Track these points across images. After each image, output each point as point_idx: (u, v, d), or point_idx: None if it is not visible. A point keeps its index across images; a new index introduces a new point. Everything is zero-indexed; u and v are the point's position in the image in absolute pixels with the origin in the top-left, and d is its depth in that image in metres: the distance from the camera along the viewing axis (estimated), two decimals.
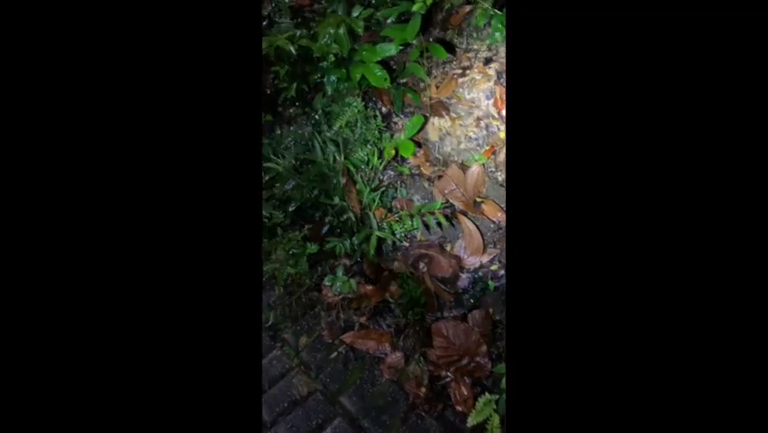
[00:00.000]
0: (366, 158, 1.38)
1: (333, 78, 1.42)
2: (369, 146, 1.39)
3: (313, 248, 1.38)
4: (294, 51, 1.31)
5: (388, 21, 1.38)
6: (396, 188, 1.44)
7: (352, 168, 1.35)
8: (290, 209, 1.29)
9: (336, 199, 1.30)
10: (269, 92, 1.87)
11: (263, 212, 1.44)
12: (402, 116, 1.57)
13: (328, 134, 1.44)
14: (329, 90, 1.44)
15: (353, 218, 1.25)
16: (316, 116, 1.47)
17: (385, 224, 1.30)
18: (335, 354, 1.23)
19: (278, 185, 1.30)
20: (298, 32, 1.37)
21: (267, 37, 1.33)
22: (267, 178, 1.32)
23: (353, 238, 1.25)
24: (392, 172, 1.49)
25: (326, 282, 1.29)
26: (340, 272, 1.29)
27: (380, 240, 1.29)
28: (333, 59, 1.37)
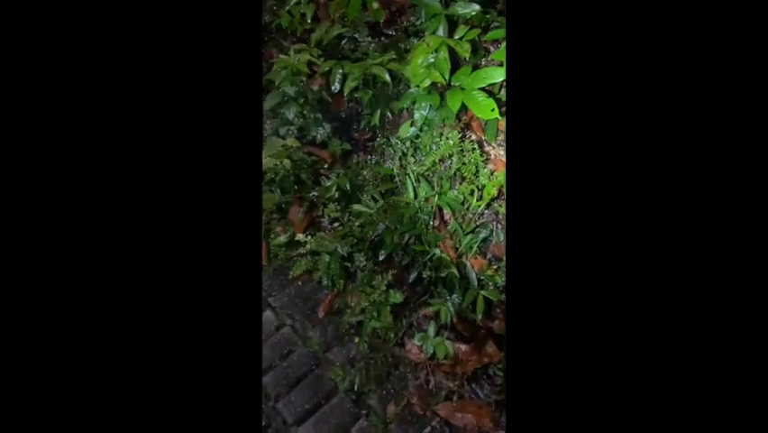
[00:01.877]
0: (462, 197, 1.19)
1: (425, 105, 1.24)
2: (465, 183, 1.20)
3: (397, 297, 1.20)
4: (389, 79, 1.14)
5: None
6: (491, 230, 1.24)
7: (447, 209, 1.17)
8: (381, 258, 1.11)
9: (429, 246, 1.12)
10: (343, 116, 1.72)
11: (347, 255, 1.27)
12: (495, 145, 1.37)
13: (415, 168, 1.26)
14: (419, 120, 1.26)
15: (456, 274, 1.06)
16: (404, 148, 1.29)
17: (485, 276, 1.10)
18: (429, 428, 1.04)
19: (365, 228, 1.13)
20: (387, 57, 1.20)
21: (357, 64, 1.17)
22: (357, 223, 1.16)
23: (454, 295, 1.06)
24: (487, 211, 1.29)
25: (416, 341, 1.10)
26: (432, 331, 1.10)
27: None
28: (427, 84, 1.19)
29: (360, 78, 1.16)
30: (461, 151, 1.21)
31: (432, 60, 1.11)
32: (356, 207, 1.14)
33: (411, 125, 1.32)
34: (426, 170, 1.20)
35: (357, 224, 1.16)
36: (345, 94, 1.20)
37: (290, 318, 1.30)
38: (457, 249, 1.15)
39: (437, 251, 1.09)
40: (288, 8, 1.30)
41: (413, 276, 1.15)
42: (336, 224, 1.39)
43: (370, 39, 1.50)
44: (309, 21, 1.42)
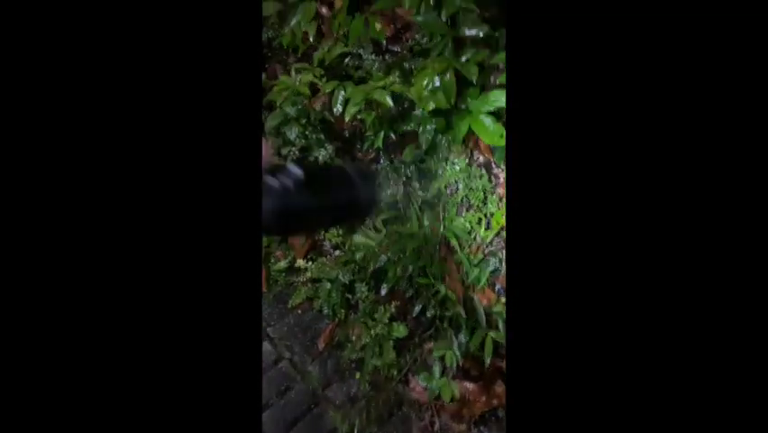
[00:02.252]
0: (469, 226, 1.12)
1: (430, 128, 1.18)
2: (472, 211, 1.13)
3: (401, 330, 1.13)
4: (391, 104, 1.08)
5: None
6: (500, 261, 1.17)
7: (453, 240, 1.10)
8: (383, 292, 1.05)
9: (434, 279, 1.05)
10: (346, 135, 1.66)
11: (348, 284, 1.20)
12: (504, 169, 1.30)
13: (421, 193, 1.19)
14: (424, 143, 1.19)
15: (463, 314, 0.99)
16: (408, 172, 1.23)
17: (494, 312, 1.03)
18: None
19: (367, 258, 1.07)
20: (391, 78, 1.14)
21: (359, 87, 1.11)
22: (358, 255, 1.10)
23: (461, 336, 0.99)
24: (496, 239, 1.22)
25: (420, 381, 1.03)
26: (437, 370, 1.03)
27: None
28: (431, 107, 1.13)
29: (362, 103, 1.10)
30: (469, 176, 1.14)
31: (437, 84, 1.05)
32: (357, 238, 1.08)
33: (415, 148, 1.25)
34: (432, 197, 1.14)
35: (358, 256, 1.10)
36: (347, 119, 1.14)
37: (289, 351, 1.24)
38: (464, 282, 1.08)
39: (443, 288, 1.02)
40: (290, 27, 1.24)
41: (417, 309, 1.08)
42: (338, 251, 1.33)
43: (374, 57, 1.44)
44: (311, 39, 1.36)
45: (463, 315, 0.98)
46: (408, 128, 1.24)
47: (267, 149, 0.24)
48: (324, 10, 1.72)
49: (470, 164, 1.16)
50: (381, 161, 1.41)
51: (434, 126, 1.18)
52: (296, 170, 0.24)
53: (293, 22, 1.20)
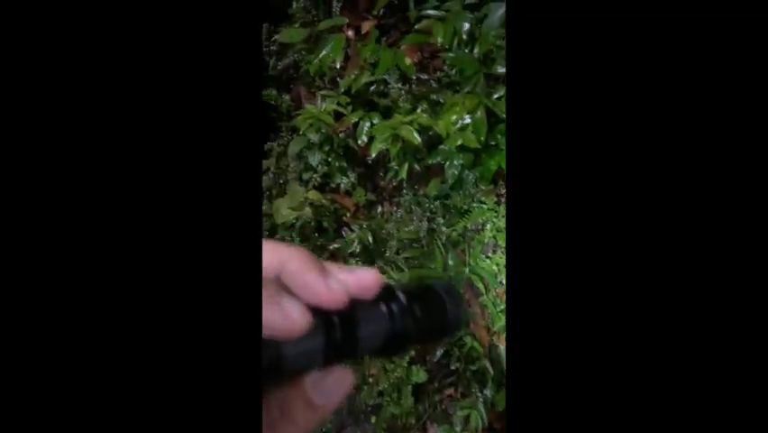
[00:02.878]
0: (496, 269, 1.06)
1: (457, 163, 1.13)
2: (499, 253, 1.08)
3: (420, 375, 1.07)
4: (419, 141, 1.03)
5: None
6: None
7: (478, 282, 1.04)
8: None
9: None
10: (369, 162, 1.63)
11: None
12: None
13: (445, 229, 1.14)
14: (450, 178, 1.15)
15: (489, 368, 0.93)
16: (432, 207, 1.18)
17: None
18: None
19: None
20: (419, 111, 1.10)
21: (386, 122, 1.07)
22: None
23: (486, 390, 0.93)
24: None
25: None
26: (458, 419, 0.97)
27: None
28: (459, 142, 1.09)
29: (388, 139, 1.06)
30: (497, 216, 1.09)
31: (467, 121, 1.00)
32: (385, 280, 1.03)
33: (441, 183, 1.21)
34: (457, 235, 1.09)
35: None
36: (373, 154, 1.10)
37: None
38: (489, 328, 1.02)
39: (468, 339, 0.96)
40: (318, 58, 1.21)
41: (439, 354, 1.03)
42: None
43: (400, 86, 1.40)
44: (338, 66, 1.34)
45: (490, 371, 0.92)
46: (434, 162, 1.20)
47: (377, 278, 0.23)
48: (349, 33, 1.70)
49: (498, 203, 1.11)
50: (404, 192, 1.37)
51: (461, 162, 1.13)
52: (402, 297, 0.24)
53: (323, 53, 1.16)
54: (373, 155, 1.07)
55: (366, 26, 1.63)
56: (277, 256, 0.21)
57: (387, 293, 0.23)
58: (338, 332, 0.21)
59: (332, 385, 0.22)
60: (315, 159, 1.41)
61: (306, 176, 1.53)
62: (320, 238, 1.54)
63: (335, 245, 1.42)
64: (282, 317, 0.19)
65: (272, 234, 1.73)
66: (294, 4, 1.95)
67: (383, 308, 0.23)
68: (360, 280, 0.22)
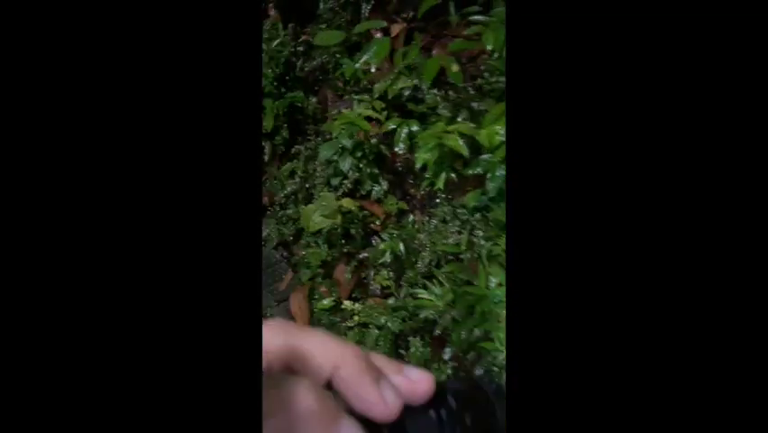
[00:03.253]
0: None
1: (500, 174, 1.08)
2: None
3: None
4: (467, 152, 0.99)
5: None
6: None
7: None
8: (446, 356, 0.95)
9: (501, 345, 0.95)
10: (400, 168, 1.59)
11: (398, 333, 1.11)
12: None
13: (485, 243, 1.09)
14: (492, 189, 1.10)
15: None
16: (473, 220, 1.14)
17: None
18: None
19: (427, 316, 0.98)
20: (461, 126, 1.05)
21: (429, 132, 1.03)
22: (420, 315, 1.00)
23: None
24: None
25: None
26: None
27: None
28: (503, 153, 1.04)
29: (435, 149, 1.02)
30: None
31: None
32: (422, 296, 0.99)
33: (481, 194, 1.16)
34: (501, 250, 1.04)
35: (422, 316, 1.01)
36: (418, 165, 1.05)
37: None
38: None
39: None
40: (360, 62, 1.17)
41: (479, 375, 0.98)
42: (391, 299, 1.24)
43: (435, 91, 1.36)
44: (373, 70, 1.30)
45: None
46: (474, 172, 1.16)
47: (431, 384, 0.22)
48: (378, 35, 1.66)
49: None
50: (438, 202, 1.33)
51: (504, 173, 1.08)
52: (452, 402, 0.23)
53: (365, 57, 1.12)
54: (418, 165, 1.03)
55: (396, 29, 1.59)
56: (330, 356, 0.20)
57: (438, 398, 0.22)
58: None
59: None
60: (346, 164, 1.37)
61: (334, 181, 1.49)
62: (347, 245, 1.50)
63: (365, 254, 1.38)
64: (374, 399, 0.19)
65: (296, 240, 1.69)
66: (321, 5, 1.92)
67: (434, 416, 0.22)
68: (414, 386, 0.21)
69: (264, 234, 1.56)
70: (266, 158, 1.85)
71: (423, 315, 0.98)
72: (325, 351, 0.20)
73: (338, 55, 1.47)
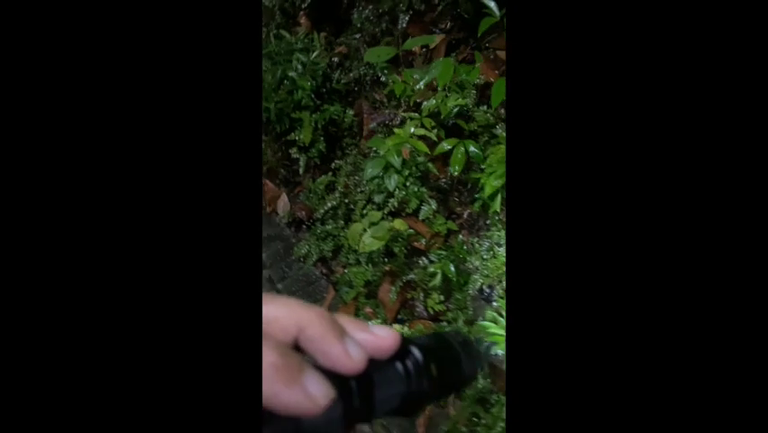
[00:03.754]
0: None
1: None
2: None
3: None
4: None
5: None
6: None
7: None
8: None
9: None
10: (446, 186, 1.55)
11: None
12: None
13: None
14: None
15: None
16: None
17: None
18: None
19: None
20: None
21: (493, 156, 0.98)
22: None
23: None
24: None
25: None
26: None
27: None
28: None
29: (503, 176, 0.98)
30: None
31: None
32: (487, 325, 0.95)
33: None
34: None
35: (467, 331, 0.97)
36: (487, 193, 1.01)
37: (385, 431, 1.11)
38: None
39: None
40: (424, 82, 1.12)
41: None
42: (445, 322, 1.20)
43: (485, 109, 1.32)
44: (423, 87, 1.25)
45: None
46: None
47: (396, 339, 0.23)
48: (415, 49, 1.61)
49: None
50: (489, 224, 1.29)
51: None
52: (417, 353, 0.24)
53: (428, 77, 1.08)
54: (486, 194, 0.99)
55: (436, 41, 1.55)
56: (294, 318, 0.21)
57: (403, 351, 0.23)
58: (356, 398, 0.21)
59: None
60: (392, 182, 1.33)
61: (377, 198, 1.46)
62: (388, 263, 1.46)
63: (412, 276, 1.34)
64: (305, 397, 0.19)
65: (335, 255, 1.66)
66: (355, 14, 1.87)
67: (399, 367, 0.23)
68: (379, 341, 0.22)
69: (304, 250, 1.53)
70: (300, 170, 1.82)
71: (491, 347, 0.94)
72: (290, 313, 0.21)
73: (385, 71, 1.43)
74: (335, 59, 1.82)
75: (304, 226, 1.79)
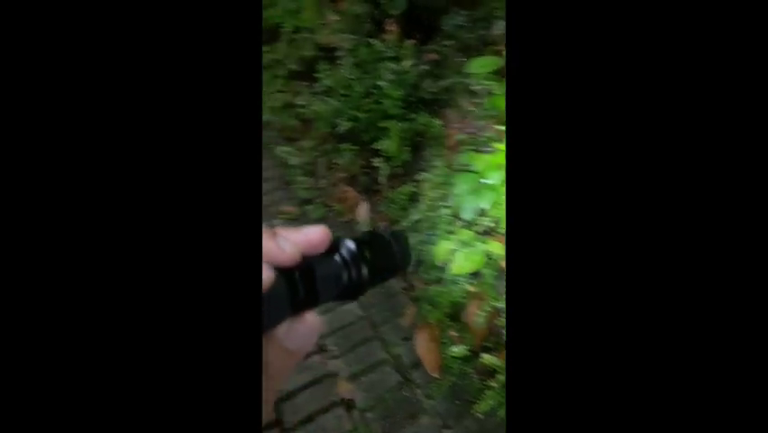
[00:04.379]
0: None
1: None
2: None
3: None
4: None
5: None
6: None
7: None
8: None
9: None
10: None
11: None
12: None
13: None
14: None
15: None
16: None
17: None
18: None
19: None
20: None
21: None
22: None
23: None
24: None
25: None
26: None
27: None
28: None
29: None
30: None
31: None
32: None
33: None
34: None
35: None
36: None
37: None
38: None
39: None
40: None
41: None
42: None
43: None
44: None
45: None
46: None
47: (325, 232, 0.25)
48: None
49: None
50: None
51: None
52: (350, 244, 0.26)
53: None
54: None
55: None
56: None
57: (338, 244, 0.26)
58: (299, 285, 0.23)
59: (302, 331, 0.23)
60: (486, 201, 1.25)
61: (467, 216, 1.38)
62: (475, 285, 1.38)
63: (502, 304, 1.25)
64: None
65: (416, 270, 1.60)
66: (447, 20, 1.81)
67: (337, 258, 0.26)
68: (309, 236, 0.25)
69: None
70: (383, 180, 1.78)
71: None
72: None
73: (489, 81, 1.35)
74: (425, 67, 1.77)
75: None
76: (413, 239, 1.52)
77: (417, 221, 1.51)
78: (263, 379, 0.21)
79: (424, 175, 1.56)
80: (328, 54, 2.04)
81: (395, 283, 1.51)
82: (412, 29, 1.95)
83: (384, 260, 0.27)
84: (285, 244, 0.23)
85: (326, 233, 0.24)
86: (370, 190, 1.90)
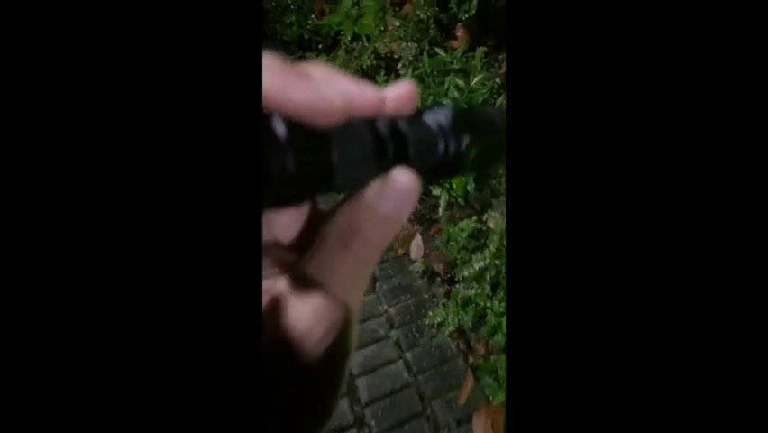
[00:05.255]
0: None
1: None
2: None
3: None
4: None
5: None
6: None
7: None
8: None
9: None
10: None
11: None
12: None
13: None
14: None
15: None
16: None
17: None
18: None
19: None
20: None
21: None
22: None
23: None
24: None
25: None
26: None
27: None
28: None
29: None
30: None
31: None
32: None
33: None
34: None
35: None
36: None
37: None
38: None
39: None
40: None
41: None
42: None
43: None
44: None
45: None
46: None
47: (413, 88, 0.20)
48: None
49: None
50: None
51: None
52: (448, 110, 0.21)
53: None
54: None
55: None
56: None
57: (431, 108, 0.21)
58: (387, 142, 0.18)
59: (396, 192, 0.18)
60: None
61: None
62: None
63: None
64: (316, 95, 0.16)
65: (476, 328, 1.35)
66: None
67: (431, 120, 0.20)
68: (397, 90, 0.19)
69: (439, 318, 1.24)
70: (441, 211, 1.55)
71: None
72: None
73: None
74: (497, 81, 1.50)
75: (439, 279, 1.51)
76: (472, 292, 1.26)
77: (482, 270, 1.24)
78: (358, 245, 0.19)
79: (490, 212, 1.30)
80: (389, 64, 1.83)
81: (450, 343, 1.26)
82: (484, 35, 1.68)
83: (489, 140, 0.22)
84: (368, 88, 0.18)
85: (414, 89, 0.19)
86: (426, 219, 1.66)
